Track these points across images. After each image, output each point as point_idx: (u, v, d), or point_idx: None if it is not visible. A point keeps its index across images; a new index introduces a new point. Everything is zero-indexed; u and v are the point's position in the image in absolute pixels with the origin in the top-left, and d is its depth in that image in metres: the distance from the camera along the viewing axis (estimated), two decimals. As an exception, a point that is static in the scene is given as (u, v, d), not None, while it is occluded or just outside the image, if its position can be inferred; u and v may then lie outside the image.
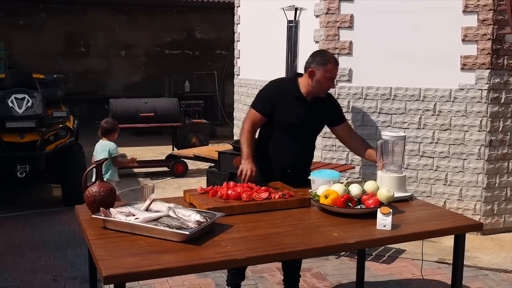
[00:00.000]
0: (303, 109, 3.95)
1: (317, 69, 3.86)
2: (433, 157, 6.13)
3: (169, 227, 2.76)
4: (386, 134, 3.72)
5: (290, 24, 6.07)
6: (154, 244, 2.68)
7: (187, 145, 10.58)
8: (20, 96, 6.90)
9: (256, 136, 4.11)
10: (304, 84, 3.96)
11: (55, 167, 7.28)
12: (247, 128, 3.95)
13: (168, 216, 2.91)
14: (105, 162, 6.32)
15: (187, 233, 2.69)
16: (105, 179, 6.44)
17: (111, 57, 15.90)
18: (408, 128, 6.17)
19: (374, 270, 5.01)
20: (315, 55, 3.98)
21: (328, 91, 4.06)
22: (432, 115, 6.10)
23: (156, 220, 2.87)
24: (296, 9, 6.02)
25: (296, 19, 6.07)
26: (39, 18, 15.08)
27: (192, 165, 9.59)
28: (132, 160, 6.44)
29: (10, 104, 6.79)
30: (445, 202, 6.11)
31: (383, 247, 5.44)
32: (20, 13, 14.80)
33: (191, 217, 2.89)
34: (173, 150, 10.09)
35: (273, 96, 3.98)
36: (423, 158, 6.16)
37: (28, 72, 8.08)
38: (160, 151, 11.24)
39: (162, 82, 13.70)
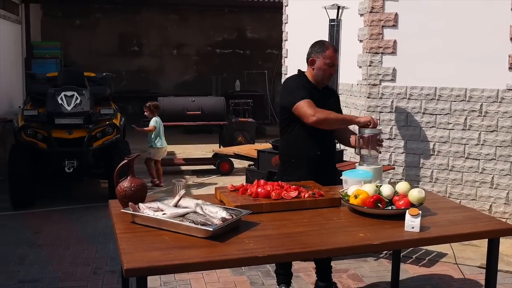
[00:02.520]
0: (319, 98, 4.02)
1: (316, 57, 4.04)
2: (479, 159, 5.97)
3: (194, 223, 2.78)
4: (364, 129, 3.93)
5: (332, 23, 6.02)
6: (178, 240, 2.71)
7: (233, 143, 10.65)
8: (69, 93, 7.10)
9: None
10: (310, 75, 4.10)
11: (102, 163, 7.46)
12: (319, 112, 3.87)
13: (195, 212, 2.94)
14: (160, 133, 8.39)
15: (211, 229, 2.71)
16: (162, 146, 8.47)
17: (163, 56, 16.17)
18: (453, 129, 6.03)
19: (413, 273, 4.93)
20: (313, 45, 4.14)
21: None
22: (478, 116, 5.95)
23: (182, 216, 2.90)
24: (338, 8, 5.97)
25: (339, 17, 6.02)
26: (94, 18, 15.50)
27: (238, 163, 9.64)
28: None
29: (60, 101, 7.00)
30: (490, 206, 5.94)
31: (424, 250, 5.35)
32: (76, 13, 15.23)
33: (218, 214, 2.90)
34: (220, 148, 10.17)
35: (301, 85, 4.04)
36: (468, 160, 6.01)
37: (79, 70, 8.31)
38: (209, 149, 11.34)
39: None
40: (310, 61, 4.07)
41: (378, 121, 6.21)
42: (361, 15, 6.42)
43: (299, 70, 4.22)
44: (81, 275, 4.89)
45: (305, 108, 3.86)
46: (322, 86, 4.13)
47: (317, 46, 4.08)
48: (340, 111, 4.24)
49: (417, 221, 2.94)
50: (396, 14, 6.15)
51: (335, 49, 4.12)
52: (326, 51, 4.02)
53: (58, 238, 5.92)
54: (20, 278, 4.81)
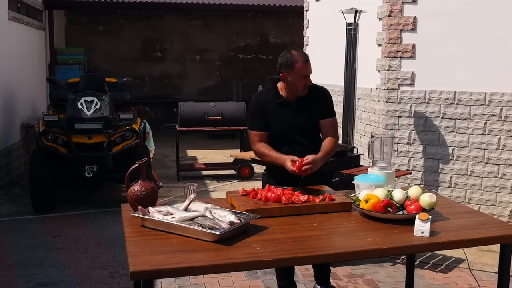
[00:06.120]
0: (290, 112, 3.93)
1: (287, 73, 3.84)
2: (499, 164, 5.89)
3: (202, 227, 2.79)
4: (376, 133, 3.99)
5: (349, 27, 5.99)
6: (186, 243, 2.73)
7: (254, 148, 10.63)
8: (89, 98, 7.17)
9: None
10: (282, 88, 3.96)
11: (122, 167, 7.51)
12: (258, 148, 3.93)
13: (204, 216, 2.95)
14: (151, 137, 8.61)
15: (218, 233, 2.72)
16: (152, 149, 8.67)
17: (186, 61, 16.26)
18: (473, 134, 5.96)
19: (429, 279, 4.87)
20: (281, 58, 3.90)
21: (323, 88, 4.11)
22: (498, 120, 5.87)
23: (191, 219, 2.91)
24: (356, 12, 5.94)
25: (356, 21, 5.99)
26: (118, 24, 15.66)
27: (259, 168, 9.64)
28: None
29: (80, 107, 7.07)
30: (511, 212, 5.85)
31: (441, 256, 5.28)
32: (100, 19, 15.41)
33: (226, 218, 2.91)
34: (238, 153, 10.19)
35: (259, 110, 3.97)
36: (488, 165, 5.93)
37: (100, 76, 8.40)
38: (230, 154, 11.37)
39: (235, 86, 13.88)
40: (282, 77, 3.87)
41: (396, 125, 6.17)
42: (380, 19, 6.40)
43: (276, 80, 4.04)
44: (98, 279, 4.94)
45: (251, 141, 4.00)
46: (298, 98, 3.92)
47: (285, 61, 3.84)
48: (324, 114, 3.99)
49: (427, 226, 2.90)
50: (415, 18, 6.10)
51: (303, 59, 3.82)
52: (295, 66, 3.79)
53: (77, 242, 5.98)
54: (38, 281, 4.87)
